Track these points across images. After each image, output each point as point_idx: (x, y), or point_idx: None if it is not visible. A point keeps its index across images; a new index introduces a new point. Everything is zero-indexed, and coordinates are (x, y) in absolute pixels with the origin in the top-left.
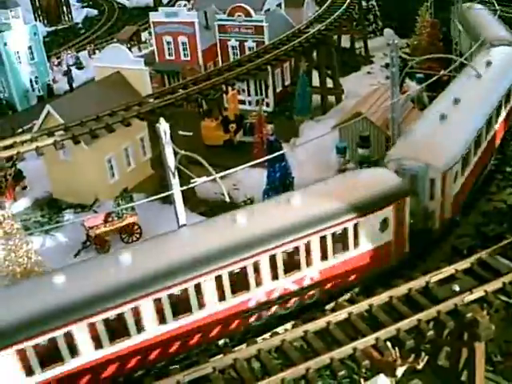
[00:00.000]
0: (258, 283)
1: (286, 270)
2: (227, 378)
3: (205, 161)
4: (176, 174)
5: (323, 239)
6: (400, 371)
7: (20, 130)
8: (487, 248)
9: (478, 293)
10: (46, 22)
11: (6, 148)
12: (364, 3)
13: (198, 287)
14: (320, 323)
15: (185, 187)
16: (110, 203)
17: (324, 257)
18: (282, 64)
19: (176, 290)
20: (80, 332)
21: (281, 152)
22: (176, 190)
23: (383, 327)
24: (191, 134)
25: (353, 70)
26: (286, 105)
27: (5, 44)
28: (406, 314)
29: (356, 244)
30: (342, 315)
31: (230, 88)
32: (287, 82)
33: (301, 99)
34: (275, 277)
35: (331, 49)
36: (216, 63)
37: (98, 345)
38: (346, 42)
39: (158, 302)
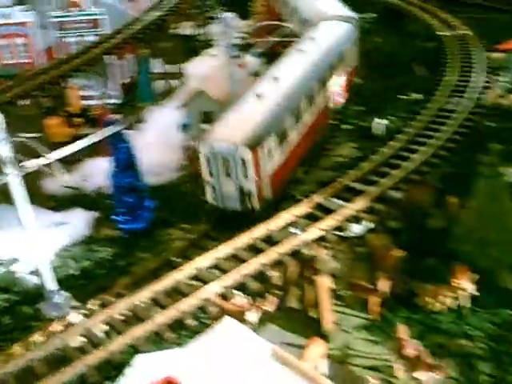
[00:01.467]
0: None
1: None
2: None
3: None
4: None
5: None
6: (253, 317)
7: None
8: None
9: (314, 232)
10: None
11: None
12: None
13: None
14: (169, 281)
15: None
16: None
17: None
18: (122, 54)
19: None
20: None
21: (117, 129)
22: (12, 179)
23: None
24: (40, 135)
25: (194, 54)
26: (133, 94)
27: None
28: (249, 260)
29: None
30: (189, 271)
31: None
32: (134, 73)
33: (143, 86)
34: None
35: (170, 35)
36: None
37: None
38: (186, 28)
39: None
